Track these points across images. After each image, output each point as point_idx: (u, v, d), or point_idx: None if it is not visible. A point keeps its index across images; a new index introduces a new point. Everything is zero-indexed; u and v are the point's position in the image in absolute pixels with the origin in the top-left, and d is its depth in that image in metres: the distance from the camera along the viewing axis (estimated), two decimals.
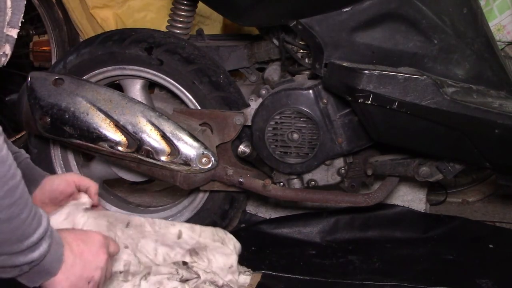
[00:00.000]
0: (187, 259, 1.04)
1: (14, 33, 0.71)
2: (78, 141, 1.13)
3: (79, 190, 0.98)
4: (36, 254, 0.68)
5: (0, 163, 0.62)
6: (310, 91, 1.13)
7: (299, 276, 1.19)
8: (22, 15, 0.70)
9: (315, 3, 1.06)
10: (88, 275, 0.78)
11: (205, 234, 1.06)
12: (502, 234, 1.39)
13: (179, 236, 1.04)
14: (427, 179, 1.20)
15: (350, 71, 1.02)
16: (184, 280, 1.02)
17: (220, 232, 1.08)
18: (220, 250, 1.06)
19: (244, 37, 1.40)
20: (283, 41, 1.18)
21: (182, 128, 1.12)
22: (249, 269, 1.15)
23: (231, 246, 1.08)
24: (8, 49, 0.71)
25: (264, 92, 1.19)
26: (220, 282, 1.04)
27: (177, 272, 1.01)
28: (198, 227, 1.06)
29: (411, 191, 1.47)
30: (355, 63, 1.06)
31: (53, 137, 1.16)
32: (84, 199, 0.98)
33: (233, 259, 1.08)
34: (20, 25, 0.71)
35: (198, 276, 1.03)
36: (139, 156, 1.13)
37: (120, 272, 0.98)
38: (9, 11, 0.69)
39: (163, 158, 1.13)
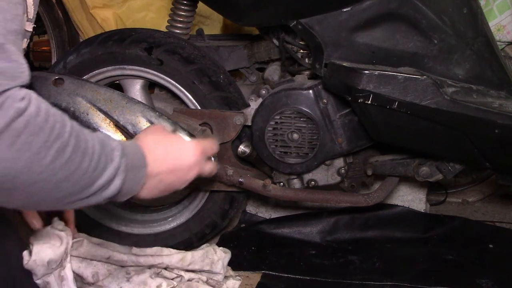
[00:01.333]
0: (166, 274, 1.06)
1: (31, 27, 0.72)
2: None
3: None
4: (108, 192, 0.69)
5: (39, 129, 0.61)
6: (310, 91, 1.13)
7: (299, 276, 1.19)
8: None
9: (315, 3, 1.06)
10: (168, 190, 0.81)
11: (194, 261, 1.06)
12: (502, 234, 1.39)
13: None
14: (427, 179, 1.20)
15: (350, 71, 1.02)
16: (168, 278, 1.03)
17: (210, 254, 1.08)
18: (206, 274, 1.08)
19: (244, 37, 1.40)
20: (283, 41, 1.18)
21: (182, 128, 1.12)
22: (241, 275, 1.15)
23: (218, 266, 1.09)
24: (25, 44, 0.70)
25: (264, 92, 1.19)
26: (205, 278, 1.05)
27: (160, 272, 1.02)
28: (189, 256, 1.05)
29: (411, 191, 1.47)
30: (355, 63, 1.06)
31: None
32: (60, 226, 0.96)
33: (219, 277, 1.09)
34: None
35: (181, 276, 1.04)
36: None
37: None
38: (30, 9, 0.70)
39: None
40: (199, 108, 1.19)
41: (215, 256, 1.08)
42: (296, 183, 1.24)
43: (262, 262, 1.24)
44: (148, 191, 0.77)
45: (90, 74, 1.21)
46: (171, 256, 1.03)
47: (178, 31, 1.29)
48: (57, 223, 0.95)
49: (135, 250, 1.06)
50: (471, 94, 1.05)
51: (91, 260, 1.01)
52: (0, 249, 0.88)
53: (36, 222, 0.92)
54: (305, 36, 1.11)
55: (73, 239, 0.99)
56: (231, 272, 1.14)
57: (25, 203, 0.65)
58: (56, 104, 1.11)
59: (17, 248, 0.92)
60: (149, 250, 1.06)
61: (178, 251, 1.07)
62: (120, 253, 1.02)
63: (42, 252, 0.92)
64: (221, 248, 1.14)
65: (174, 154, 0.82)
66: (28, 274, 0.93)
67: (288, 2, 1.06)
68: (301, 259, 1.27)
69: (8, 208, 0.66)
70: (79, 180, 0.66)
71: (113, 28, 1.64)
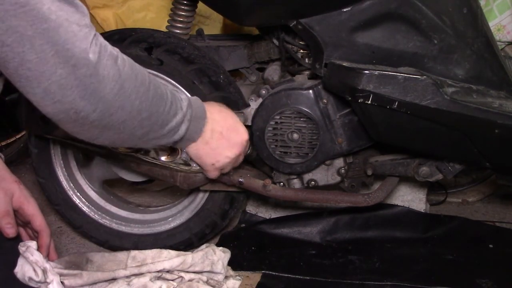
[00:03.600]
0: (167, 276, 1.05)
1: None
2: (78, 141, 1.13)
3: (20, 214, 0.94)
4: (177, 135, 0.84)
5: (128, 76, 0.73)
6: (310, 91, 1.13)
7: (299, 276, 1.19)
8: None
9: (315, 3, 1.06)
10: (215, 157, 0.96)
11: (195, 263, 1.06)
12: (502, 234, 1.39)
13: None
14: (427, 179, 1.20)
15: (350, 71, 1.02)
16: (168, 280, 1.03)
17: (210, 254, 1.08)
18: (206, 274, 1.07)
19: (244, 37, 1.40)
20: (283, 41, 1.18)
21: None
22: (241, 275, 1.15)
23: (219, 266, 1.08)
24: None
25: (264, 92, 1.19)
26: (205, 279, 1.05)
27: (161, 276, 1.02)
28: (190, 259, 1.05)
29: (411, 191, 1.47)
30: (355, 63, 1.06)
31: (53, 137, 1.16)
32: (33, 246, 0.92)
33: (219, 277, 1.09)
34: None
35: (181, 277, 1.04)
36: (139, 156, 1.13)
37: None
38: None
39: (163, 158, 1.13)
40: None
41: (214, 257, 1.08)
42: (296, 183, 1.24)
43: (262, 262, 1.24)
44: (201, 145, 0.92)
45: None
46: (172, 260, 1.03)
47: (178, 31, 1.29)
48: (29, 253, 0.90)
49: (133, 253, 1.05)
50: (471, 94, 1.05)
51: (93, 284, 1.00)
52: None
53: (9, 230, 0.89)
54: (305, 36, 1.11)
55: (52, 261, 0.97)
56: (231, 272, 1.14)
57: (114, 139, 0.77)
58: None
59: (16, 247, 0.92)
60: (149, 252, 1.06)
61: (177, 252, 1.07)
62: (121, 269, 1.00)
63: (25, 266, 0.90)
64: (220, 248, 1.14)
65: (231, 123, 0.99)
66: None
67: (288, 2, 1.06)
68: (301, 259, 1.27)
69: (97, 143, 0.77)
70: (156, 121, 0.79)
71: (113, 28, 1.64)
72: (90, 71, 0.67)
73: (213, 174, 1.03)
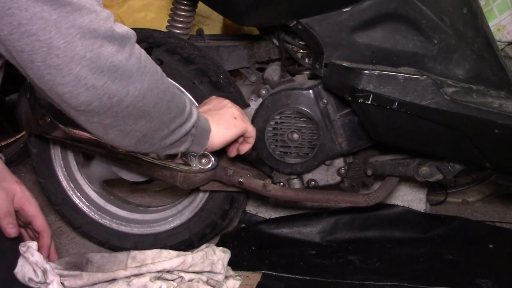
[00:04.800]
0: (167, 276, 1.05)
1: None
2: (78, 141, 1.13)
3: (21, 214, 0.95)
4: (194, 116, 0.84)
5: (150, 65, 0.73)
6: (310, 91, 1.13)
7: (299, 276, 1.19)
8: None
9: (315, 3, 1.06)
10: (225, 114, 0.97)
11: (195, 263, 1.05)
12: (502, 234, 1.39)
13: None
14: (427, 179, 1.20)
15: (350, 71, 1.02)
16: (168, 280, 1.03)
17: (210, 255, 1.08)
18: (206, 274, 1.07)
19: (244, 37, 1.40)
20: (283, 41, 1.18)
21: None
22: (241, 275, 1.15)
23: (219, 266, 1.08)
24: None
25: (264, 92, 1.19)
26: (205, 279, 1.05)
27: (161, 276, 1.02)
28: (190, 259, 1.05)
29: (411, 191, 1.47)
30: (355, 63, 1.06)
31: (53, 137, 1.16)
32: (34, 246, 0.92)
33: (219, 277, 1.09)
34: None
35: (181, 277, 1.04)
36: (139, 156, 1.13)
37: None
38: None
39: (163, 158, 1.13)
40: None
41: (214, 257, 1.08)
42: (296, 183, 1.24)
43: (262, 262, 1.24)
44: (211, 121, 0.92)
45: None
46: (172, 261, 1.03)
47: (178, 31, 1.29)
48: (29, 254, 0.91)
49: (133, 253, 1.05)
50: (471, 94, 1.05)
51: (93, 285, 1.00)
52: None
53: (10, 230, 0.89)
54: (305, 36, 1.11)
55: (52, 261, 0.97)
56: (231, 272, 1.14)
57: (147, 129, 0.76)
58: None
59: (16, 248, 0.92)
60: (149, 253, 1.06)
61: (177, 252, 1.07)
62: (121, 270, 1.00)
63: (25, 267, 0.90)
64: (220, 248, 1.14)
65: (209, 100, 1.01)
66: None
67: (288, 2, 1.06)
68: (301, 259, 1.27)
69: (125, 142, 0.77)
70: (178, 103, 0.79)
71: None
72: (116, 50, 0.66)
73: (245, 125, 1.00)
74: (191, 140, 0.85)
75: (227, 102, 1.00)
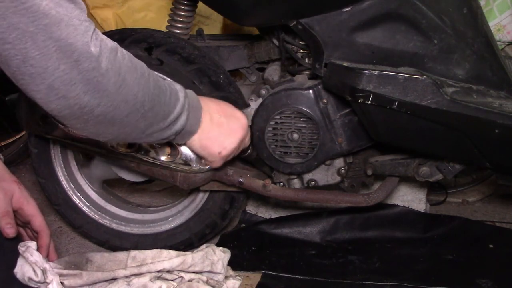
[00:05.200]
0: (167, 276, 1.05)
1: None
2: (78, 141, 1.13)
3: (20, 214, 0.95)
4: (178, 125, 0.84)
5: (128, 68, 0.73)
6: (310, 91, 1.13)
7: (299, 276, 1.19)
8: None
9: (315, 3, 1.06)
10: (221, 145, 0.96)
11: (195, 263, 1.05)
12: (502, 234, 1.39)
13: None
14: (427, 179, 1.19)
15: (350, 71, 1.02)
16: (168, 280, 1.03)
17: (210, 255, 1.08)
18: (206, 274, 1.07)
19: (244, 37, 1.40)
20: (283, 41, 1.18)
21: None
22: (241, 276, 1.15)
23: (219, 266, 1.08)
24: None
25: (264, 92, 1.19)
26: (205, 279, 1.05)
27: (160, 276, 1.02)
28: (190, 259, 1.05)
29: (411, 191, 1.47)
30: (355, 63, 1.06)
31: (53, 137, 1.16)
32: (33, 246, 0.92)
33: (219, 277, 1.09)
34: None
35: (181, 277, 1.04)
36: (139, 156, 1.13)
37: None
38: None
39: (163, 158, 1.13)
40: None
41: (214, 257, 1.08)
42: (296, 183, 1.24)
43: (262, 262, 1.24)
44: (203, 135, 0.93)
45: None
46: (172, 261, 1.03)
47: (178, 31, 1.29)
48: (28, 253, 0.91)
49: (133, 253, 1.05)
50: (471, 94, 1.05)
51: (93, 284, 1.00)
52: None
53: (9, 230, 0.89)
54: (305, 36, 1.11)
55: (51, 261, 0.97)
56: (231, 272, 1.14)
57: (119, 133, 0.77)
58: None
59: (15, 247, 0.92)
60: (149, 252, 1.06)
61: (177, 252, 1.07)
62: (121, 269, 1.00)
63: (25, 267, 0.90)
64: (220, 248, 1.14)
65: (227, 109, 0.99)
66: None
67: (288, 2, 1.06)
68: (301, 259, 1.27)
69: (100, 140, 0.78)
70: (158, 112, 0.79)
71: (113, 28, 1.64)
72: (92, 65, 0.67)
73: (219, 163, 1.02)
74: (173, 138, 0.87)
75: (238, 112, 1.01)
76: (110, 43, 0.72)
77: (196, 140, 0.94)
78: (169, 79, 0.95)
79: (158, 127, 0.81)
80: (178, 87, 0.88)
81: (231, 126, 0.98)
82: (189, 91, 0.93)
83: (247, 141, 1.06)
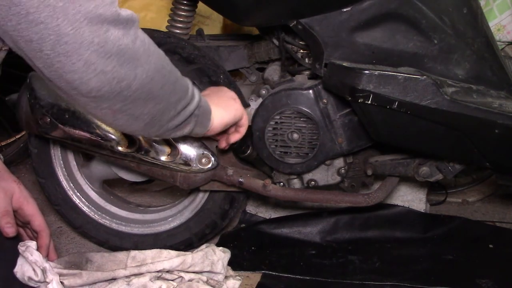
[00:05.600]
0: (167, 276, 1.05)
1: None
2: (78, 141, 1.13)
3: (20, 214, 0.95)
4: (196, 97, 0.85)
5: (154, 50, 0.73)
6: (310, 91, 1.13)
7: (299, 276, 1.19)
8: None
9: (315, 3, 1.06)
10: (227, 100, 0.99)
11: (195, 263, 1.05)
12: (502, 234, 1.39)
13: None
14: (427, 179, 1.20)
15: (350, 71, 1.02)
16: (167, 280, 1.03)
17: (210, 255, 1.08)
18: (206, 274, 1.07)
19: (244, 37, 1.40)
20: (283, 41, 1.18)
21: None
22: (241, 276, 1.15)
23: (219, 266, 1.08)
24: None
25: (264, 92, 1.19)
26: (205, 279, 1.05)
27: (160, 275, 1.02)
28: (190, 259, 1.05)
29: (411, 191, 1.47)
30: (355, 63, 1.06)
31: (53, 137, 1.16)
32: (33, 246, 0.92)
33: (219, 277, 1.09)
34: None
35: (181, 277, 1.04)
36: (139, 156, 1.13)
37: None
38: None
39: (163, 158, 1.13)
40: None
41: (214, 257, 1.08)
42: (296, 183, 1.24)
43: (262, 262, 1.24)
44: (211, 103, 0.93)
45: None
46: (172, 261, 1.03)
47: (178, 31, 1.29)
48: (28, 253, 0.91)
49: (133, 253, 1.05)
50: (471, 94, 1.05)
51: (92, 284, 1.00)
52: None
53: (8, 230, 0.90)
54: (305, 36, 1.11)
55: (51, 261, 0.97)
56: (231, 272, 1.14)
57: (155, 111, 0.76)
58: (56, 104, 1.11)
59: (15, 247, 0.92)
60: (148, 252, 1.06)
61: (177, 252, 1.07)
62: (120, 269, 1.00)
63: (24, 266, 0.90)
64: (220, 248, 1.14)
65: (212, 89, 1.04)
66: None
67: (288, 2, 1.06)
68: (301, 259, 1.27)
69: (134, 129, 0.78)
70: (181, 84, 0.80)
71: None
72: (121, 34, 0.67)
73: (242, 109, 1.02)
74: (195, 121, 0.86)
75: (224, 87, 1.04)
76: (132, 13, 0.72)
77: (214, 112, 0.94)
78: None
79: (185, 101, 0.81)
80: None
81: (220, 92, 1.02)
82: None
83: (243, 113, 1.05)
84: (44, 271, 0.90)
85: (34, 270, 0.89)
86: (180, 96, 0.80)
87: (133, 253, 1.05)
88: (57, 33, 0.61)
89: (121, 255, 1.06)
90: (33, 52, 0.62)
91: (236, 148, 1.17)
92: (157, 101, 0.75)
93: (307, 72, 1.20)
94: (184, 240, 1.29)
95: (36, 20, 0.59)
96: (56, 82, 0.66)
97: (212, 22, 1.74)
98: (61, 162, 1.31)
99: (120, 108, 0.72)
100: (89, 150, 1.17)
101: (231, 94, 1.02)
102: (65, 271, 0.97)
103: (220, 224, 1.29)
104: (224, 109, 0.96)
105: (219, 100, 0.97)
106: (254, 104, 1.19)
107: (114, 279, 1.00)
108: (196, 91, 0.86)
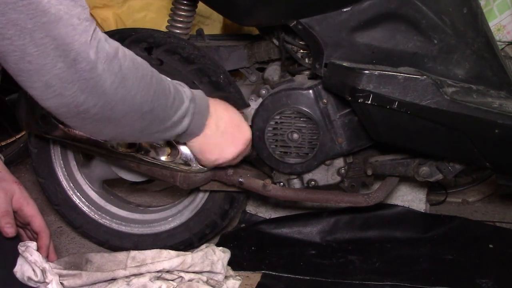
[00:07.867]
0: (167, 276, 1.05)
1: None
2: (78, 141, 1.13)
3: (19, 215, 0.95)
4: (179, 129, 0.84)
5: (129, 70, 0.73)
6: (310, 91, 1.13)
7: (299, 276, 1.19)
8: None
9: (315, 3, 1.06)
10: (218, 153, 0.97)
11: (194, 263, 1.05)
12: (502, 234, 1.39)
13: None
14: (427, 179, 1.19)
15: (350, 71, 1.02)
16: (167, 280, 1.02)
17: (210, 255, 1.08)
18: (206, 274, 1.07)
19: (244, 37, 1.40)
20: (283, 41, 1.18)
21: None
22: (241, 276, 1.15)
23: (219, 266, 1.08)
24: None
25: (264, 92, 1.19)
26: (205, 278, 1.05)
27: (160, 276, 1.02)
28: (189, 259, 1.05)
29: (411, 191, 1.47)
30: (355, 63, 1.06)
31: (53, 137, 1.16)
32: (33, 246, 0.92)
33: (219, 277, 1.09)
34: None
35: (181, 277, 1.03)
36: (139, 156, 1.13)
37: None
38: None
39: (163, 158, 1.13)
40: None
41: (214, 257, 1.08)
42: (296, 183, 1.24)
43: (262, 262, 1.24)
44: (204, 140, 0.92)
45: None
46: (171, 261, 1.03)
47: (178, 31, 1.29)
48: (28, 253, 0.91)
49: (133, 253, 1.05)
50: (471, 94, 1.05)
51: (92, 285, 1.00)
52: None
53: (8, 230, 0.90)
54: (305, 36, 1.11)
55: (51, 261, 0.97)
56: (231, 272, 1.14)
57: (116, 133, 0.77)
58: None
59: (15, 247, 0.92)
60: (148, 253, 1.06)
61: (177, 252, 1.07)
62: (120, 270, 1.00)
63: (24, 266, 0.90)
64: (220, 248, 1.14)
65: (235, 120, 0.99)
66: None
67: (288, 2, 1.06)
68: (301, 259, 1.27)
69: (99, 139, 0.82)
70: (158, 115, 0.79)
71: (113, 28, 1.64)
72: (89, 66, 0.66)
73: (210, 167, 1.05)
74: (173, 139, 0.88)
75: (224, 111, 1.00)
76: (111, 43, 0.71)
77: (196, 142, 0.94)
78: (181, 83, 0.95)
79: (158, 128, 0.81)
80: (186, 89, 0.88)
81: (234, 136, 0.99)
82: (198, 93, 0.93)
83: (245, 153, 1.07)
84: (43, 271, 0.90)
85: (33, 270, 0.89)
86: (148, 123, 0.79)
87: (133, 253, 1.05)
88: (22, 51, 0.62)
89: (121, 255, 1.06)
90: (0, 60, 0.64)
91: None
92: (119, 125, 0.75)
93: (307, 72, 1.20)
94: (184, 240, 1.29)
95: (3, 35, 0.61)
96: (22, 87, 0.68)
97: (212, 22, 1.74)
98: (61, 162, 1.31)
99: (79, 126, 0.74)
100: (89, 150, 1.17)
101: (245, 137, 1.01)
102: (64, 272, 0.97)
103: (220, 224, 1.29)
104: (233, 143, 0.98)
105: (225, 136, 0.97)
106: (254, 104, 1.19)
107: (114, 279, 1.00)
108: (185, 121, 0.85)
